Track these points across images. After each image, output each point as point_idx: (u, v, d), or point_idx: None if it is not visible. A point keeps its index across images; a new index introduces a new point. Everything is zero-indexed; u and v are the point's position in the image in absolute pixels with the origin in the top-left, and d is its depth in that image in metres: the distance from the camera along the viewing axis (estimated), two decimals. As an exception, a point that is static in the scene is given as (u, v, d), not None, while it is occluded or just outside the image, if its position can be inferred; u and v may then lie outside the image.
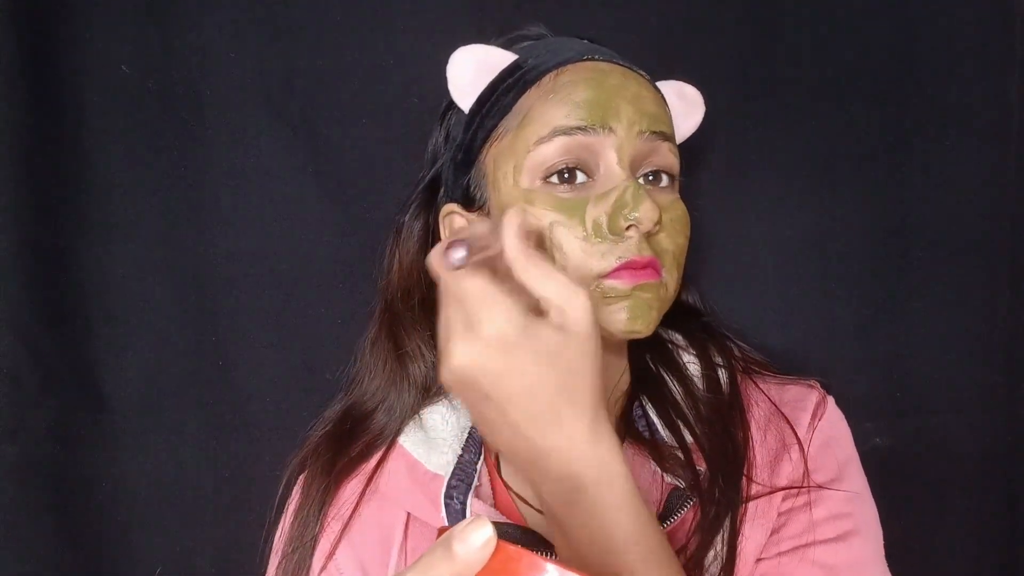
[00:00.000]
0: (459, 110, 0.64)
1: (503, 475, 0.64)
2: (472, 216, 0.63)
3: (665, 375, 0.64)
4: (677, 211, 0.60)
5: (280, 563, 0.64)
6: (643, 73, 0.62)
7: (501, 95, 0.61)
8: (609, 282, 0.55)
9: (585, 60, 0.60)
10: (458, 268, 0.44)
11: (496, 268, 0.44)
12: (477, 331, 0.41)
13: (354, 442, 0.66)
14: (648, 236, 0.56)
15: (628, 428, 0.62)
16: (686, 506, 0.57)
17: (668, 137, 0.60)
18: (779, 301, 0.82)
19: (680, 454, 0.58)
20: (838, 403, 0.65)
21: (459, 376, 0.42)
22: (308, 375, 0.80)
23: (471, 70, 0.62)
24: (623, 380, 0.65)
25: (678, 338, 0.67)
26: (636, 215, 0.54)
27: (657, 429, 0.60)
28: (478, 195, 0.62)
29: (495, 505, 0.61)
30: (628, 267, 0.55)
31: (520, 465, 0.44)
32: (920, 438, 0.82)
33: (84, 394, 0.79)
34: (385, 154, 0.80)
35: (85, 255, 0.79)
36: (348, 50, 0.80)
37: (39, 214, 0.77)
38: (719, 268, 0.79)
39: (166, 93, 0.79)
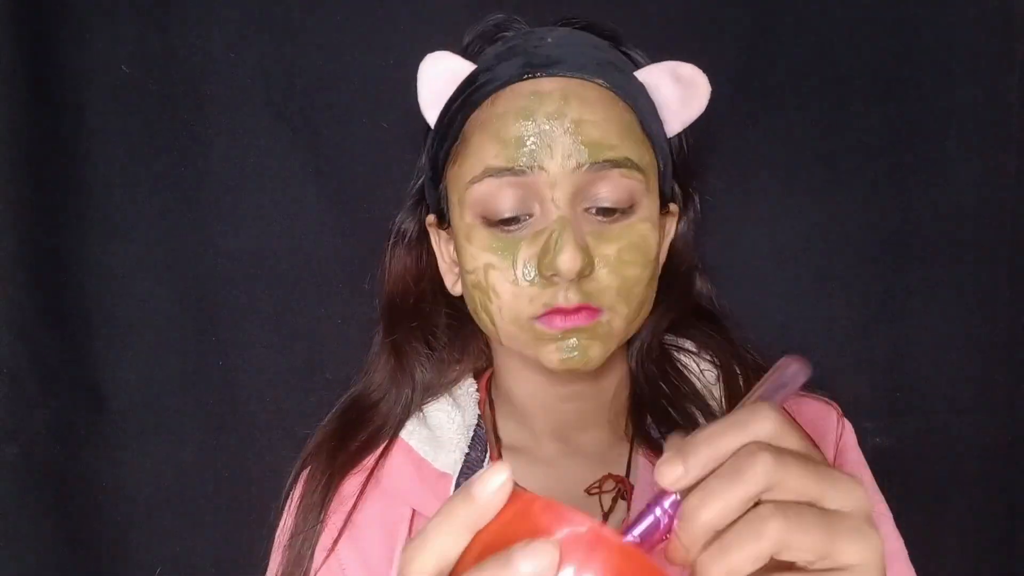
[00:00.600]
0: None
1: None
2: (447, 232, 0.63)
3: (671, 384, 0.64)
4: (628, 239, 0.55)
5: (282, 557, 0.64)
6: (601, 82, 0.57)
7: (453, 115, 0.60)
8: (540, 325, 0.55)
9: (526, 79, 0.56)
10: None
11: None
12: None
13: (357, 434, 0.66)
14: (581, 277, 0.54)
15: (643, 438, 0.62)
16: None
17: (620, 163, 0.55)
18: (779, 301, 0.82)
19: None
20: (838, 403, 0.65)
21: None
22: (308, 375, 0.81)
23: (435, 81, 0.61)
24: (621, 394, 0.65)
25: (691, 345, 0.67)
26: (556, 265, 0.52)
27: None
28: (445, 211, 0.62)
29: None
30: (557, 312, 0.54)
31: None
32: (920, 438, 0.82)
33: (84, 394, 0.79)
34: (385, 154, 0.80)
35: (85, 255, 0.79)
36: (348, 50, 0.80)
37: (39, 214, 0.77)
38: (719, 268, 0.79)
39: (166, 93, 0.79)
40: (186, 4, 0.79)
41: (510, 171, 0.55)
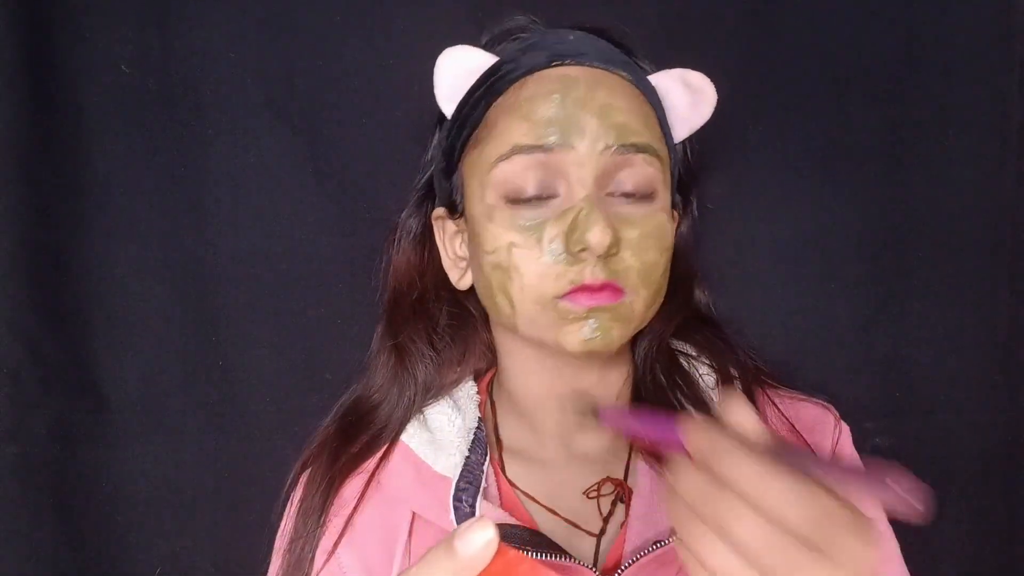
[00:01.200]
0: None
1: (508, 474, 0.64)
2: (456, 224, 0.63)
3: (673, 384, 0.64)
4: (649, 225, 0.57)
5: (282, 560, 0.64)
6: (624, 74, 0.59)
7: (474, 104, 0.60)
8: (564, 303, 0.55)
9: (553, 66, 0.58)
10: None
11: None
12: None
13: (358, 436, 0.66)
14: (608, 256, 0.54)
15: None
16: None
17: (644, 148, 0.57)
18: (779, 301, 0.82)
19: None
20: (838, 403, 0.65)
21: None
22: (308, 375, 0.80)
23: (453, 74, 0.61)
24: (624, 395, 0.65)
25: (690, 349, 0.67)
26: (587, 239, 0.53)
27: None
28: (458, 201, 0.62)
29: (501, 505, 0.61)
30: (583, 290, 0.54)
31: None
32: (920, 438, 0.81)
33: (84, 394, 0.79)
34: (385, 154, 0.80)
35: (85, 255, 0.79)
36: (348, 50, 0.80)
37: (39, 214, 0.77)
38: (719, 268, 0.79)
39: (166, 93, 0.79)
40: (186, 4, 0.79)
41: (540, 148, 0.55)
